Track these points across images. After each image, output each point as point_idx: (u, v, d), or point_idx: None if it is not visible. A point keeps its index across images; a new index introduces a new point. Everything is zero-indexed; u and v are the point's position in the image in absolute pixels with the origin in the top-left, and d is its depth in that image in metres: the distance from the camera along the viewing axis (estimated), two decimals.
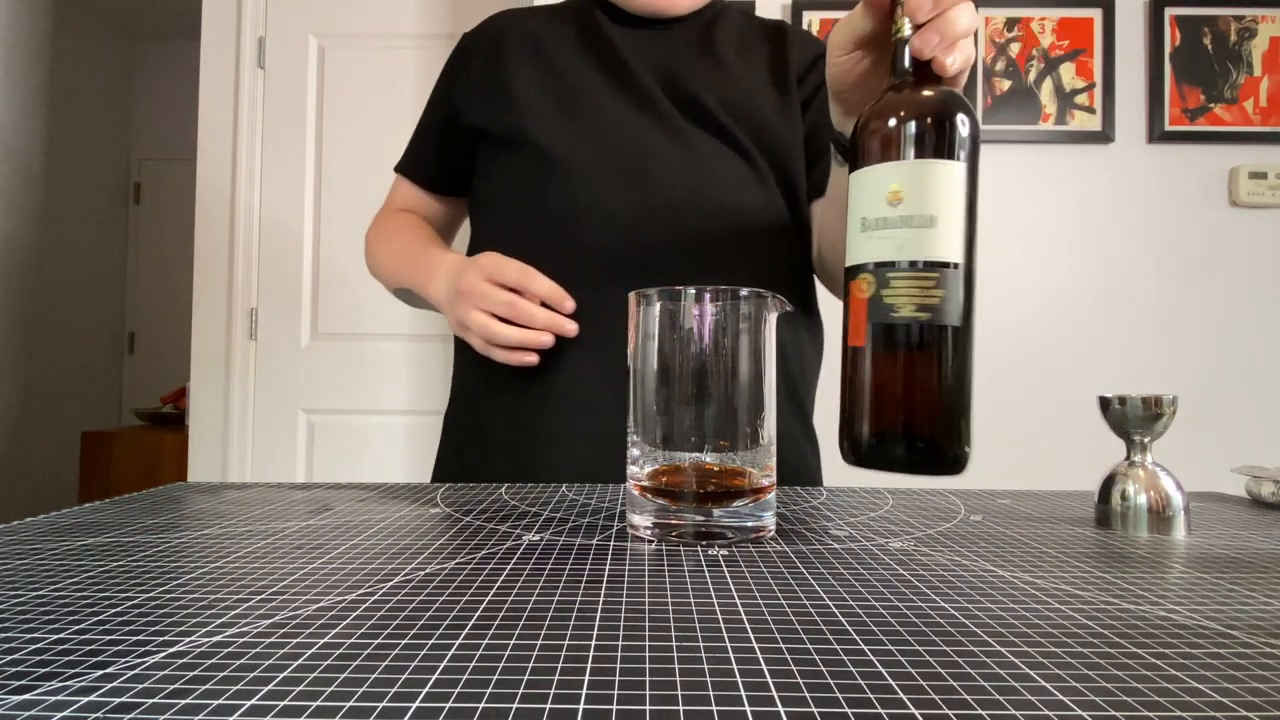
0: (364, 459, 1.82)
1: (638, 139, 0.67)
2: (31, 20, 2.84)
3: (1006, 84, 1.62)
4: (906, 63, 0.41)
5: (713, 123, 0.68)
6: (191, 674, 0.21)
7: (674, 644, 0.23)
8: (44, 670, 0.21)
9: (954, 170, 0.38)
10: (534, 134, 0.68)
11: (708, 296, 0.38)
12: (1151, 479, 0.42)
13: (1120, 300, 1.61)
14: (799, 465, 0.69)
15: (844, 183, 0.56)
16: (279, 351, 1.83)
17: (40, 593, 0.29)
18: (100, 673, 0.21)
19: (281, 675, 0.21)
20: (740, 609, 0.27)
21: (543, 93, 0.70)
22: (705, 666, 0.22)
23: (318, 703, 0.19)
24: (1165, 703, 0.20)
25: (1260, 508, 0.51)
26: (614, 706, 0.19)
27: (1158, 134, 1.60)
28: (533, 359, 0.62)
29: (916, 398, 0.39)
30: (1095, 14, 1.62)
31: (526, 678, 0.21)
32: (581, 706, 0.19)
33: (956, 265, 0.38)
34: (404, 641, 0.24)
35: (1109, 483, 0.43)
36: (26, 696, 0.19)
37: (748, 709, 0.19)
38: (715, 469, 0.38)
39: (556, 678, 0.21)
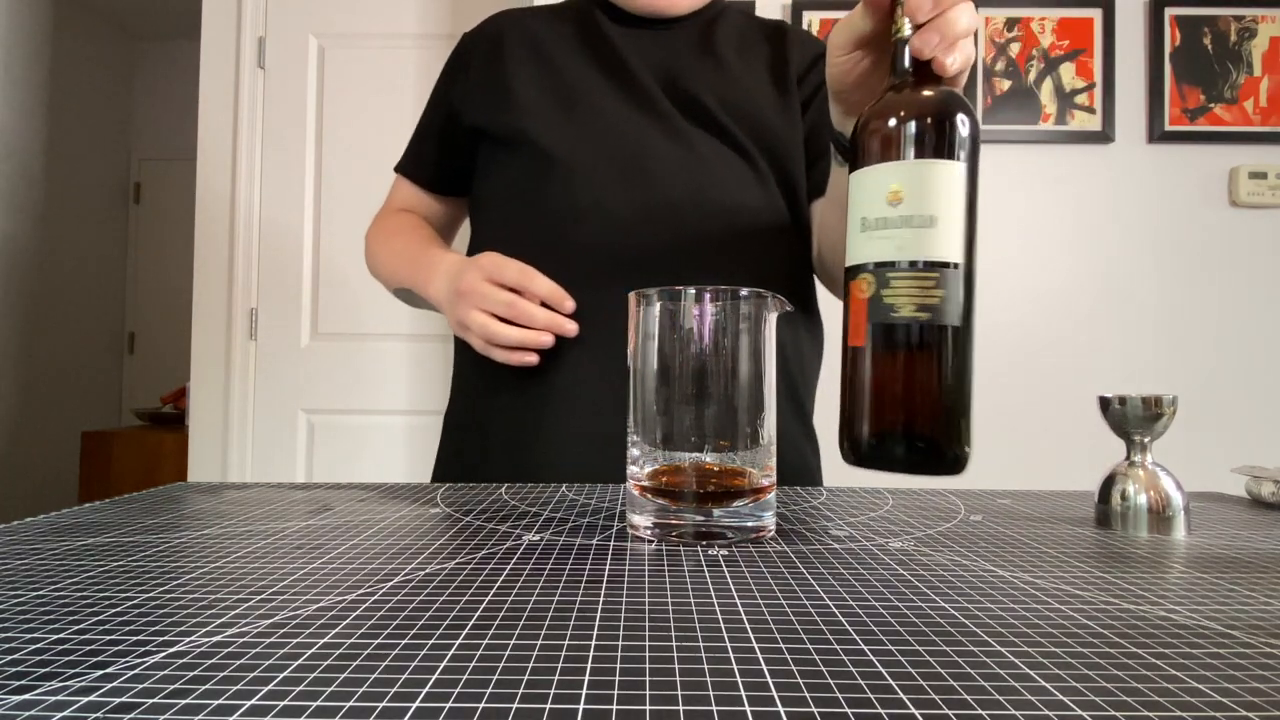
0: (364, 459, 1.82)
1: (637, 139, 0.67)
2: (31, 20, 2.84)
3: (1006, 84, 1.62)
4: (906, 62, 0.41)
5: (713, 123, 0.68)
6: (191, 674, 0.21)
7: (674, 644, 0.23)
8: (44, 670, 0.21)
9: (954, 170, 0.38)
10: (533, 134, 0.68)
11: (708, 296, 0.38)
12: (1151, 479, 0.42)
13: (1120, 300, 1.61)
14: (799, 465, 0.69)
15: (844, 183, 0.56)
16: (279, 351, 1.83)
17: (40, 593, 0.29)
18: (100, 673, 0.21)
19: (281, 675, 0.21)
20: (740, 609, 0.27)
21: (542, 92, 0.70)
22: (705, 666, 0.22)
23: (318, 703, 0.19)
24: (1165, 703, 0.20)
25: (1260, 508, 0.51)
26: (614, 706, 0.19)
27: (1158, 134, 1.60)
28: (533, 359, 0.62)
29: (917, 398, 0.39)
30: (1095, 14, 1.62)
31: (526, 678, 0.21)
32: (581, 706, 0.19)
33: (956, 265, 0.38)
34: (404, 641, 0.24)
35: (1109, 483, 0.43)
36: (26, 696, 0.19)
37: (748, 709, 0.19)
38: (715, 469, 0.38)
39: (556, 678, 0.21)
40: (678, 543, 0.37)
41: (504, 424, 0.67)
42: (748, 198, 0.67)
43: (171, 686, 0.20)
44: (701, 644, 0.24)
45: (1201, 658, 0.23)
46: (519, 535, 0.39)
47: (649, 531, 0.38)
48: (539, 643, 0.24)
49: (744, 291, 0.38)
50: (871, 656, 0.23)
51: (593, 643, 0.24)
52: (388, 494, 0.51)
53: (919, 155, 0.38)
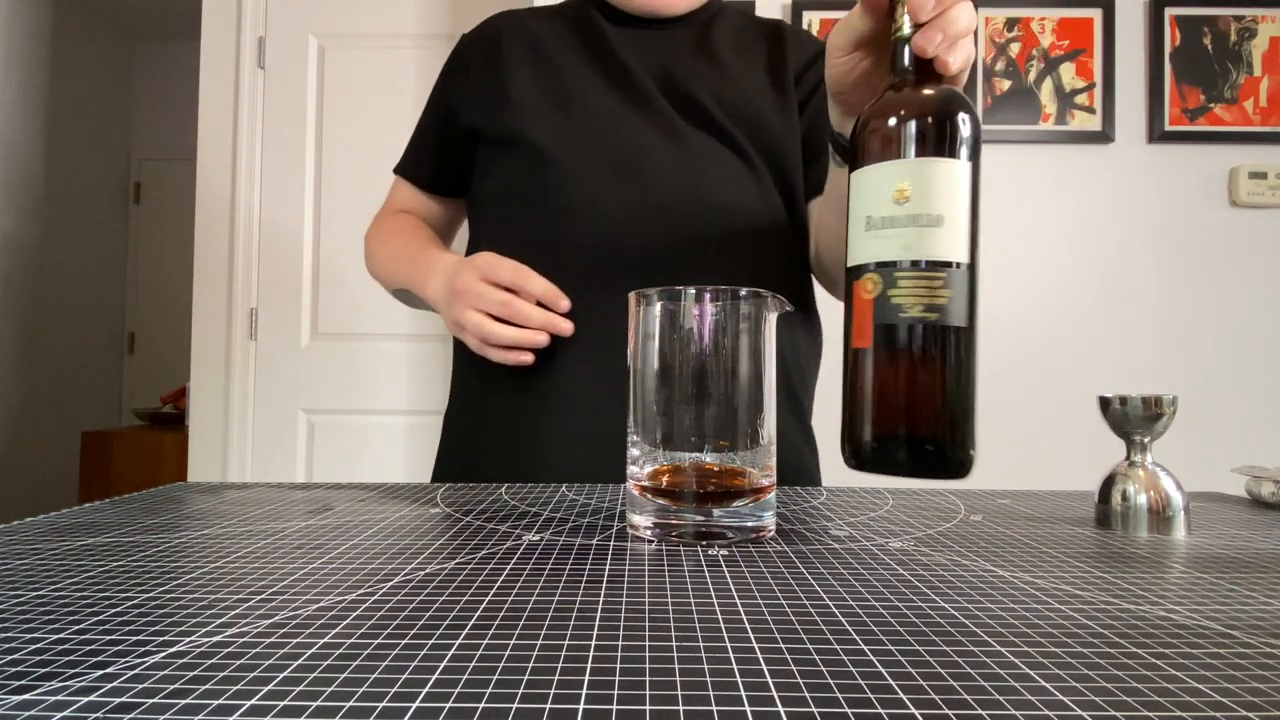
0: (364, 459, 1.82)
1: (633, 139, 0.67)
2: (31, 21, 2.84)
3: (1006, 84, 1.62)
4: (907, 61, 0.41)
5: (709, 122, 0.68)
6: (191, 674, 0.21)
7: (674, 644, 0.23)
8: (44, 670, 0.21)
9: (961, 169, 0.38)
10: (530, 134, 0.68)
11: (708, 296, 0.38)
12: (1151, 479, 0.42)
13: (1120, 300, 1.61)
14: (797, 466, 0.69)
15: (842, 183, 0.56)
16: (279, 351, 1.83)
17: (40, 593, 0.29)
18: (100, 673, 0.21)
19: (281, 675, 0.21)
20: (740, 609, 0.27)
21: (539, 93, 0.70)
22: (705, 666, 0.22)
23: (318, 703, 0.19)
24: (1165, 703, 0.20)
25: (1260, 508, 0.51)
26: (614, 706, 0.19)
27: (1158, 134, 1.60)
28: (528, 358, 0.63)
29: (925, 400, 0.38)
30: (1095, 14, 1.62)
31: (526, 678, 0.21)
32: (581, 706, 0.19)
33: (961, 265, 0.38)
34: (404, 641, 0.24)
35: (1109, 483, 0.43)
36: (26, 696, 0.19)
37: (748, 709, 0.19)
38: (715, 469, 0.38)
39: (556, 678, 0.21)
40: (678, 543, 0.37)
41: (501, 424, 0.67)
42: (744, 197, 0.67)
43: (171, 686, 0.20)
44: (701, 644, 0.24)
45: (1201, 658, 0.23)
46: (519, 535, 0.39)
47: (649, 531, 0.38)
48: (539, 643, 0.24)
49: (744, 291, 0.38)
50: (871, 656, 0.23)
51: (593, 643, 0.24)
52: (388, 494, 0.51)
53: (927, 153, 0.38)
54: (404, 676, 0.21)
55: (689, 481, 0.38)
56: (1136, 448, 0.43)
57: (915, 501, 0.51)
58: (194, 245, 1.84)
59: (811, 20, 1.62)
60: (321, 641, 0.23)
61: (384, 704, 0.19)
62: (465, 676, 0.21)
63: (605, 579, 0.31)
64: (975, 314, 0.38)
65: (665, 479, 0.39)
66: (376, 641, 0.24)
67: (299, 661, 0.22)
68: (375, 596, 0.28)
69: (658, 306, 0.39)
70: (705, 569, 0.33)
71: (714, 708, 0.19)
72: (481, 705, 0.19)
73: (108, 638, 0.24)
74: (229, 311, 1.82)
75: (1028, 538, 0.40)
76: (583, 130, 0.68)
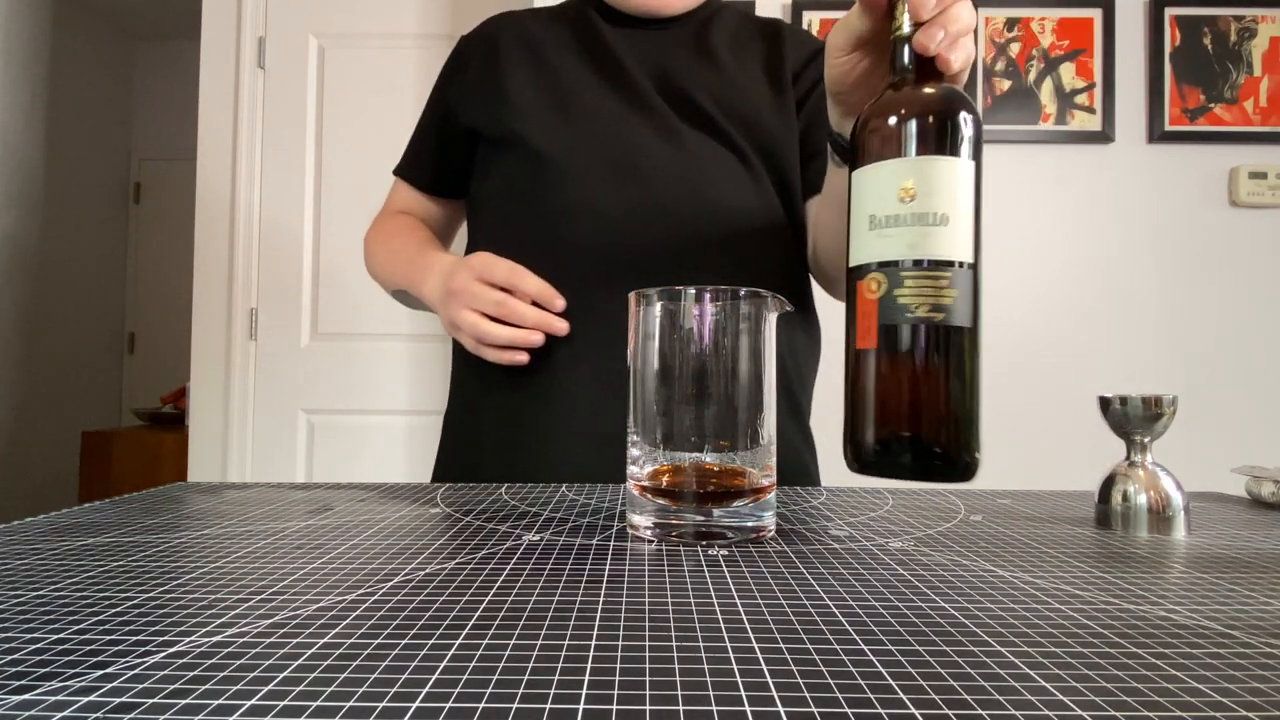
0: (364, 459, 1.82)
1: (630, 138, 0.67)
2: (31, 20, 2.84)
3: (1006, 84, 1.62)
4: (907, 60, 0.41)
5: (707, 121, 0.68)
6: (191, 674, 0.21)
7: (674, 644, 0.23)
8: (44, 670, 0.21)
9: (966, 167, 0.37)
10: (527, 135, 0.68)
11: (708, 296, 0.38)
12: (1151, 479, 0.42)
13: (1120, 300, 1.61)
14: (796, 466, 0.69)
15: (840, 182, 0.56)
16: (279, 351, 1.83)
17: (40, 593, 0.29)
18: (100, 673, 0.21)
19: (281, 675, 0.21)
20: (740, 609, 0.27)
21: (537, 93, 0.70)
22: (705, 666, 0.22)
23: (318, 703, 0.19)
24: (1165, 703, 0.20)
25: (1260, 508, 0.51)
26: (614, 706, 0.19)
27: (1158, 134, 1.60)
28: (523, 358, 0.63)
29: (932, 402, 0.37)
30: (1095, 14, 1.62)
31: (526, 678, 0.21)
32: (581, 706, 0.19)
33: (965, 264, 0.37)
34: (404, 641, 0.24)
35: (1109, 483, 0.43)
36: (26, 696, 0.19)
37: (748, 709, 0.19)
38: (715, 469, 0.38)
39: (556, 678, 0.21)
40: (678, 543, 0.37)
41: (498, 424, 0.67)
42: (742, 197, 0.67)
43: (171, 686, 0.20)
44: (701, 644, 0.24)
45: (1201, 658, 0.23)
46: (519, 535, 0.39)
47: (649, 531, 0.38)
48: (539, 643, 0.24)
49: (743, 291, 0.38)
50: (871, 656, 0.23)
51: (593, 643, 0.24)
52: (388, 494, 0.51)
53: (933, 151, 0.37)
54: (404, 676, 0.21)
55: (689, 481, 0.38)
56: (1136, 448, 0.43)
57: (915, 501, 0.51)
58: (194, 245, 1.84)
59: (811, 20, 1.62)
60: (321, 641, 0.23)
61: (384, 704, 0.19)
62: (465, 676, 0.21)
63: (605, 579, 0.31)
64: (979, 314, 0.38)
65: (665, 479, 0.39)
66: (376, 641, 0.24)
67: (299, 661, 0.22)
68: (375, 596, 0.28)
69: (658, 306, 0.39)
70: (705, 569, 0.33)
71: (714, 708, 0.19)
72: (481, 705, 0.19)
73: (108, 638, 0.24)
74: (229, 311, 1.82)
75: (1028, 538, 0.40)
76: (580, 131, 0.68)
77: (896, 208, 0.38)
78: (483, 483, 0.59)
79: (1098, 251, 1.61)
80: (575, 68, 0.71)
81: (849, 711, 0.19)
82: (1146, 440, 0.43)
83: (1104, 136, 1.61)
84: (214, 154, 1.84)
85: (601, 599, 0.28)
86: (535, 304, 0.62)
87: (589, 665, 0.22)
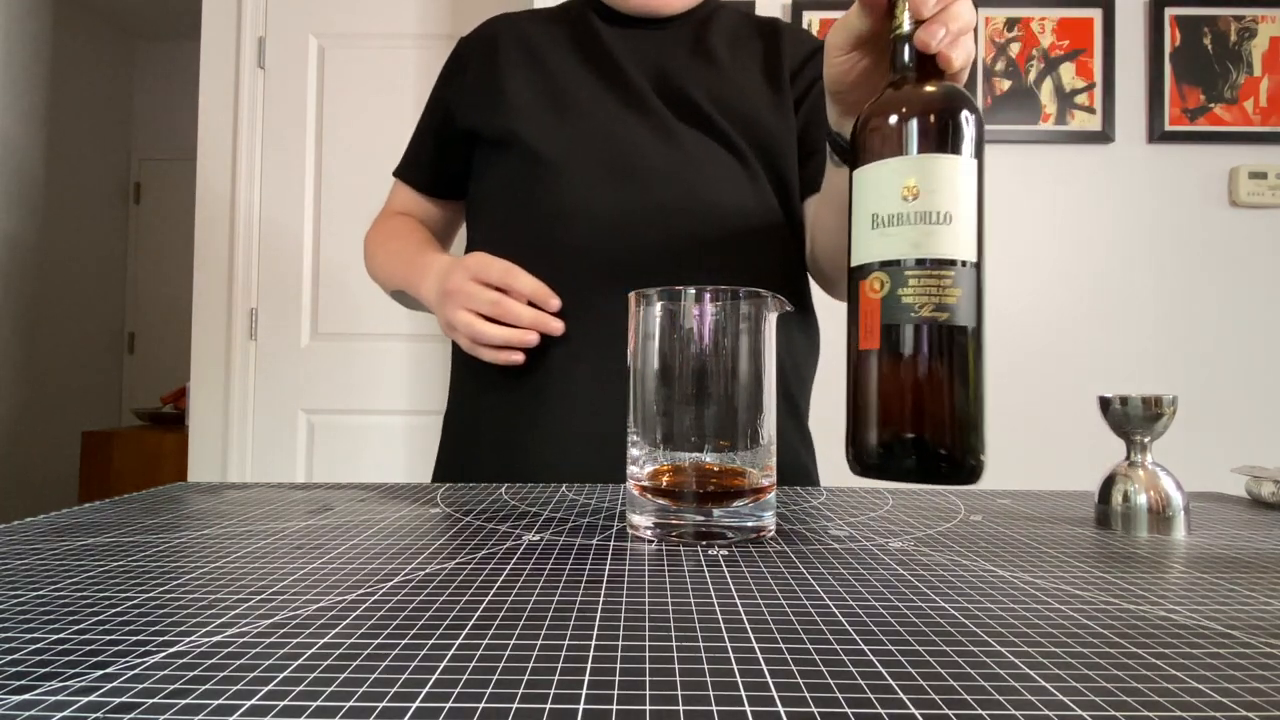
0: (364, 459, 1.82)
1: (628, 139, 0.67)
2: (31, 20, 2.84)
3: (1006, 84, 1.62)
4: (907, 58, 0.41)
5: (704, 121, 0.68)
6: (191, 674, 0.21)
7: (674, 644, 0.23)
8: (44, 670, 0.21)
9: (968, 165, 0.37)
10: (525, 135, 0.68)
11: (708, 296, 0.38)
12: (1151, 479, 0.42)
13: (1120, 300, 1.61)
14: (795, 466, 0.69)
15: (838, 181, 0.56)
16: (279, 351, 1.83)
17: (40, 593, 0.29)
18: (100, 673, 0.21)
19: (281, 675, 0.21)
20: (740, 609, 0.27)
21: (535, 94, 0.70)
22: (705, 666, 0.22)
23: (318, 703, 0.19)
24: (1165, 703, 0.20)
25: (1260, 508, 0.51)
26: (614, 706, 0.19)
27: (1158, 134, 1.60)
28: (519, 358, 0.63)
29: (937, 403, 0.37)
30: (1095, 14, 1.62)
31: (526, 678, 0.21)
32: (581, 706, 0.19)
33: (969, 263, 0.37)
34: (404, 641, 0.24)
35: (1109, 483, 0.43)
36: (26, 696, 0.19)
37: (748, 709, 0.19)
38: (715, 469, 0.38)
39: (556, 678, 0.21)
40: (678, 543, 0.37)
41: (496, 424, 0.67)
42: (740, 196, 0.67)
43: (171, 686, 0.20)
44: (701, 644, 0.23)
45: (1201, 658, 0.23)
46: (519, 535, 0.39)
47: (649, 531, 0.38)
48: (539, 643, 0.24)
49: (743, 291, 0.38)
50: (871, 656, 0.23)
51: (593, 643, 0.24)
52: (388, 494, 0.51)
53: (935, 149, 0.37)
54: (404, 676, 0.21)
55: (689, 481, 0.38)
56: (1136, 448, 0.43)
57: (915, 501, 0.51)
58: (194, 245, 1.84)
59: (811, 20, 1.62)
60: (321, 641, 0.23)
61: (384, 704, 0.19)
62: (465, 676, 0.21)
63: (605, 579, 0.31)
64: (983, 313, 0.38)
65: (665, 479, 0.39)
66: (376, 641, 0.24)
67: (299, 661, 0.22)
68: (375, 596, 0.28)
69: (658, 306, 0.39)
70: (705, 569, 0.33)
71: (714, 708, 0.19)
72: (481, 705, 0.19)
73: (108, 638, 0.24)
74: (229, 311, 1.82)
75: (1028, 538, 0.40)
76: (578, 131, 0.68)
77: (899, 206, 0.37)
78: (482, 483, 0.59)
79: (1098, 251, 1.61)
80: (573, 68, 0.71)
81: (849, 711, 0.19)
82: (1146, 440, 0.43)
83: (1104, 136, 1.61)
84: (214, 154, 1.84)
85: (601, 599, 0.28)
86: (531, 304, 0.62)
87: (589, 665, 0.22)
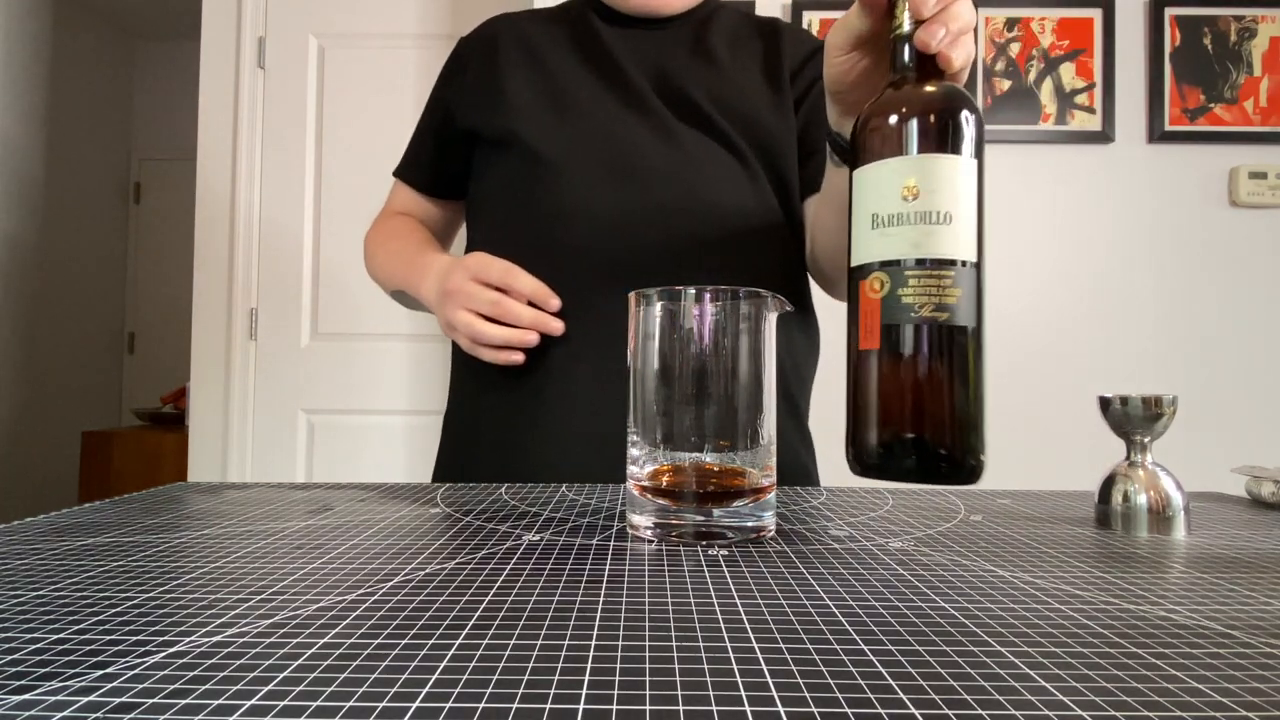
0: (364, 459, 1.82)
1: (627, 138, 0.67)
2: (31, 20, 2.84)
3: (1006, 84, 1.62)
4: (907, 58, 0.41)
5: (704, 120, 0.68)
6: (191, 674, 0.21)
7: (674, 644, 0.23)
8: (44, 670, 0.21)
9: (968, 165, 0.37)
10: (524, 135, 0.68)
11: (707, 296, 0.38)
12: (1151, 479, 0.42)
13: (1120, 300, 1.61)
14: (794, 467, 0.69)
15: (838, 181, 0.56)
16: (279, 351, 1.83)
17: (40, 593, 0.29)
18: (100, 673, 0.21)
19: (281, 675, 0.21)
20: (740, 609, 0.27)
21: (535, 94, 0.70)
22: (705, 666, 0.22)
23: (318, 703, 0.19)
24: (1165, 703, 0.20)
25: (1260, 508, 0.51)
26: (614, 706, 0.19)
27: (1158, 134, 1.60)
28: (518, 358, 0.63)
29: (938, 403, 0.37)
30: (1095, 14, 1.62)
31: (526, 678, 0.21)
32: (581, 706, 0.19)
33: (969, 263, 0.37)
34: (404, 641, 0.24)
35: (1109, 483, 0.43)
36: (26, 696, 0.19)
37: (748, 709, 0.19)
38: (715, 469, 0.38)
39: (556, 678, 0.21)
40: (678, 543, 0.37)
41: (495, 424, 0.67)
42: (739, 196, 0.67)
43: (171, 686, 0.20)
44: (701, 644, 0.23)
45: (1201, 658, 0.23)
46: (519, 535, 0.39)
47: (649, 531, 0.38)
48: (539, 643, 0.24)
49: (743, 291, 0.38)
50: (871, 656, 0.23)
51: (593, 643, 0.24)
52: (388, 494, 0.51)
53: (935, 149, 0.37)
54: (404, 676, 0.21)
55: (689, 481, 0.38)
56: (1136, 448, 0.43)
57: (915, 501, 0.51)
58: (194, 245, 1.84)
59: (811, 20, 1.62)
60: (321, 641, 0.23)
61: (384, 704, 0.19)
62: (465, 676, 0.21)
63: (605, 579, 0.31)
64: (983, 314, 0.38)
65: (665, 479, 0.39)
66: (376, 641, 0.24)
67: (299, 661, 0.22)
68: (375, 596, 0.28)
69: (658, 306, 0.39)
70: (705, 569, 0.33)
71: (714, 708, 0.19)
72: (481, 705, 0.19)
73: (108, 638, 0.24)
74: (229, 311, 1.82)
75: (1028, 538, 0.40)
76: (577, 131, 0.68)
77: (899, 206, 0.37)
78: (482, 483, 0.59)
79: (1098, 251, 1.61)
80: (573, 68, 0.71)
81: (849, 711, 0.19)
82: (1146, 440, 0.43)
83: (1104, 136, 1.61)
84: (214, 154, 1.84)
85: (601, 599, 0.28)
86: (531, 304, 0.62)
87: (589, 665, 0.22)
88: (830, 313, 0.71)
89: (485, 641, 0.24)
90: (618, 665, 0.22)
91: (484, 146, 0.73)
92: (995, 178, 1.62)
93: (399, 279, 0.75)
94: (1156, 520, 0.41)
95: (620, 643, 0.24)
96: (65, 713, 0.19)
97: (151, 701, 0.19)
